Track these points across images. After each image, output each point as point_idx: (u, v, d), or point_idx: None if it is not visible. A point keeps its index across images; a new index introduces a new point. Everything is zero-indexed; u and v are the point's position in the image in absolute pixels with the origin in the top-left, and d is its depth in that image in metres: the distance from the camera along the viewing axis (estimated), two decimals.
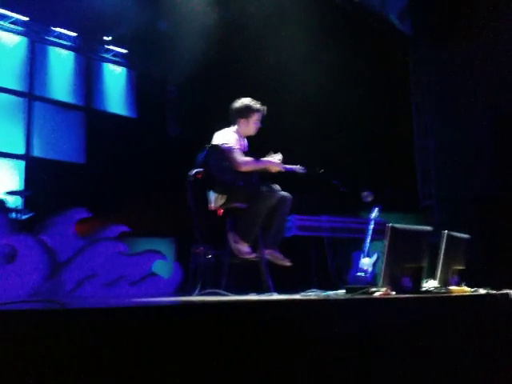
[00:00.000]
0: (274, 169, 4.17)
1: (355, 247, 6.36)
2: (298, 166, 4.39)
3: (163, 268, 6.71)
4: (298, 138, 6.93)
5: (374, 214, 6.28)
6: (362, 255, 6.10)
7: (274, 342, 1.93)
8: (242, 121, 4.20)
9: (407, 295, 2.78)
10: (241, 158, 4.04)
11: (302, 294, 3.27)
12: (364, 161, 7.98)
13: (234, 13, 6.81)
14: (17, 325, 1.38)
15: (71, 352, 1.39)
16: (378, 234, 6.39)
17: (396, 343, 2.35)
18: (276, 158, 4.19)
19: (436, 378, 2.47)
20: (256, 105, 4.20)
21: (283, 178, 4.27)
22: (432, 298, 2.83)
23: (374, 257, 6.03)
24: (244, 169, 4.04)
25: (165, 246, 7.09)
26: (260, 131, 4.29)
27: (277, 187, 4.10)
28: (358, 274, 5.93)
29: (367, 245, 6.12)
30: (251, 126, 4.21)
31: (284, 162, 4.27)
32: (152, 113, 8.53)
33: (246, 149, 4.27)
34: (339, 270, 6.13)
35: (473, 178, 7.95)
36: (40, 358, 1.36)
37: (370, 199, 6.34)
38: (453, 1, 8.15)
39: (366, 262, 5.99)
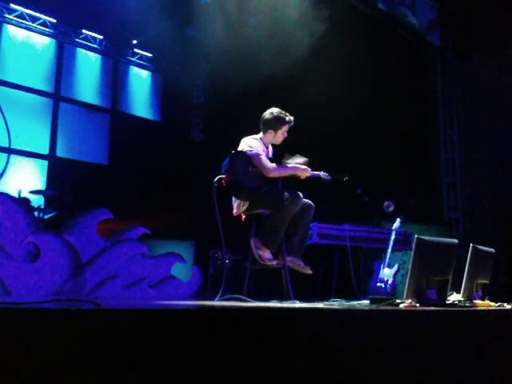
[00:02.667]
0: (303, 175, 4.16)
1: (377, 257, 6.33)
2: (323, 172, 4.37)
3: (182, 271, 6.71)
4: (323, 146, 6.91)
5: (396, 224, 6.25)
6: (382, 265, 6.06)
7: (297, 351, 1.93)
8: (270, 131, 4.19)
9: (433, 308, 2.75)
10: (270, 164, 4.05)
11: (325, 302, 3.26)
12: (389, 171, 7.94)
13: (263, 19, 6.83)
14: (54, 323, 1.40)
15: (109, 351, 1.41)
16: (400, 244, 6.37)
17: (420, 355, 2.33)
18: (301, 161, 4.18)
19: None
20: (285, 117, 4.18)
21: (307, 184, 4.26)
22: (459, 312, 2.80)
23: (395, 267, 5.99)
24: (273, 175, 4.04)
25: (184, 250, 7.09)
26: (287, 139, 4.29)
27: (300, 194, 4.08)
28: (378, 284, 5.90)
29: (388, 255, 6.09)
30: (278, 136, 4.22)
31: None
32: (176, 117, 8.58)
33: (269, 155, 4.26)
34: (360, 280, 6.09)
35: (498, 191, 7.87)
36: (78, 357, 1.38)
37: (391, 209, 6.32)
38: (480, 13, 8.10)
39: (386, 273, 5.96)
